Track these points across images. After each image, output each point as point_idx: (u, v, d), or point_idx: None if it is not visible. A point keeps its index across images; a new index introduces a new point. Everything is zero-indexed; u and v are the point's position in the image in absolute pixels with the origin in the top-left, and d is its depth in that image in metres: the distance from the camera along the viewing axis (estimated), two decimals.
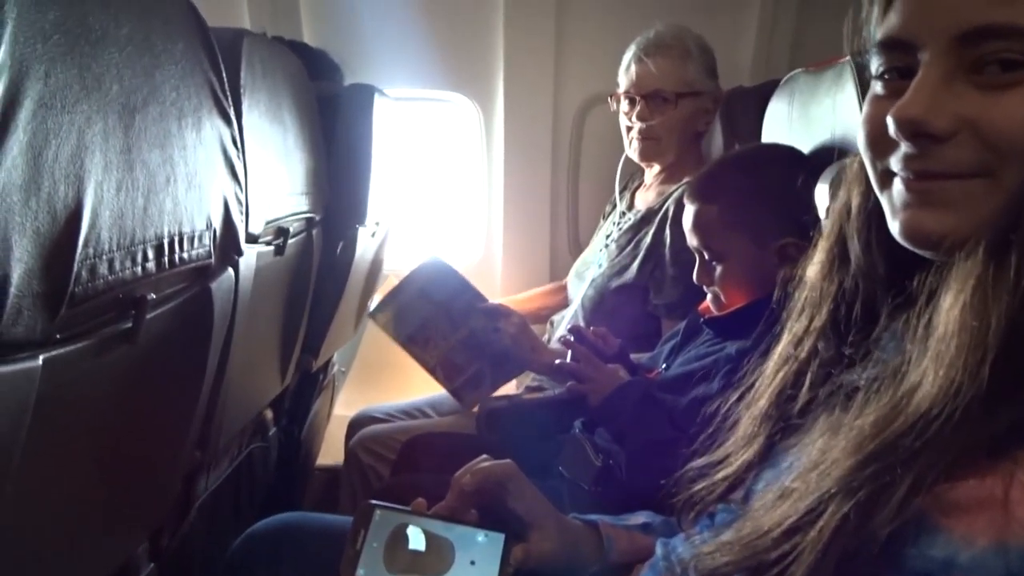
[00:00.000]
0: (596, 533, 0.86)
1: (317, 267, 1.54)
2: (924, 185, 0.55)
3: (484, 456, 0.84)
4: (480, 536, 0.80)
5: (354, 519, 0.80)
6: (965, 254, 0.51)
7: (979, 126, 0.52)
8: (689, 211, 1.28)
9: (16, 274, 0.53)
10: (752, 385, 0.72)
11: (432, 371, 1.56)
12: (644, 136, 1.86)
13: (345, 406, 2.41)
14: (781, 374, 0.69)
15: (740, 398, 0.73)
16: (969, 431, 0.46)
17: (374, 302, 1.68)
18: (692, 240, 1.28)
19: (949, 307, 0.50)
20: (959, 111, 0.53)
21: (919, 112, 0.53)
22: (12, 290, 0.53)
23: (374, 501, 0.81)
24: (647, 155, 1.90)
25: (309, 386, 1.91)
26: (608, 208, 2.11)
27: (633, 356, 1.47)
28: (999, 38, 0.51)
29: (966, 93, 0.53)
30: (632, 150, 1.91)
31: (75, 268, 0.60)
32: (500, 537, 0.80)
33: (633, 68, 1.87)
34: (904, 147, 0.55)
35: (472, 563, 0.78)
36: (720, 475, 0.70)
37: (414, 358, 1.56)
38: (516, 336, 1.53)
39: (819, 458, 0.54)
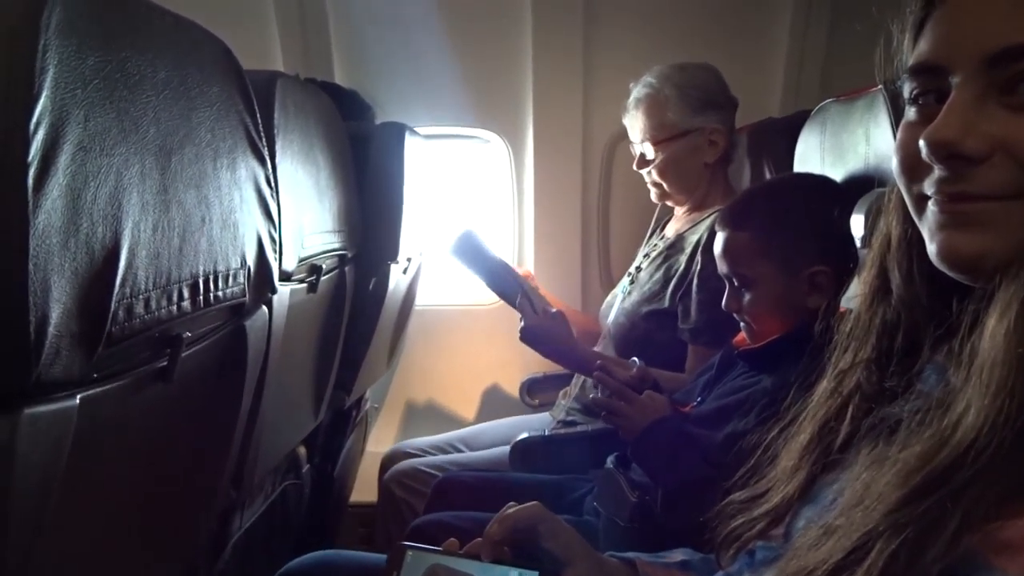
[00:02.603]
0: (633, 571, 0.84)
1: (350, 304, 1.55)
2: (959, 207, 0.54)
3: (511, 503, 0.83)
4: (514, 574, 0.78)
5: (387, 561, 0.80)
6: (1008, 278, 0.50)
7: (1012, 146, 0.51)
8: (720, 237, 1.27)
9: (55, 314, 0.54)
10: (794, 419, 0.71)
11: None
12: (651, 183, 1.91)
13: (378, 443, 2.41)
14: (825, 408, 0.67)
15: (781, 432, 0.72)
16: (1018, 462, 0.45)
17: None
18: (722, 267, 1.27)
19: (992, 333, 0.49)
20: (992, 132, 0.52)
21: (951, 134, 0.53)
22: (51, 330, 0.54)
23: (406, 542, 0.80)
24: (661, 198, 1.94)
25: (342, 423, 1.91)
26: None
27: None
28: None
29: (998, 114, 0.52)
30: (652, 194, 1.96)
31: (112, 308, 0.61)
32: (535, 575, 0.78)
33: (625, 123, 1.94)
34: (937, 170, 0.55)
35: None
36: (761, 510, 0.68)
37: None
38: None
39: (864, 493, 0.52)
